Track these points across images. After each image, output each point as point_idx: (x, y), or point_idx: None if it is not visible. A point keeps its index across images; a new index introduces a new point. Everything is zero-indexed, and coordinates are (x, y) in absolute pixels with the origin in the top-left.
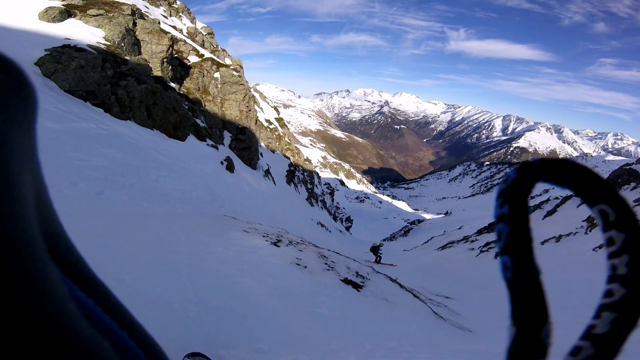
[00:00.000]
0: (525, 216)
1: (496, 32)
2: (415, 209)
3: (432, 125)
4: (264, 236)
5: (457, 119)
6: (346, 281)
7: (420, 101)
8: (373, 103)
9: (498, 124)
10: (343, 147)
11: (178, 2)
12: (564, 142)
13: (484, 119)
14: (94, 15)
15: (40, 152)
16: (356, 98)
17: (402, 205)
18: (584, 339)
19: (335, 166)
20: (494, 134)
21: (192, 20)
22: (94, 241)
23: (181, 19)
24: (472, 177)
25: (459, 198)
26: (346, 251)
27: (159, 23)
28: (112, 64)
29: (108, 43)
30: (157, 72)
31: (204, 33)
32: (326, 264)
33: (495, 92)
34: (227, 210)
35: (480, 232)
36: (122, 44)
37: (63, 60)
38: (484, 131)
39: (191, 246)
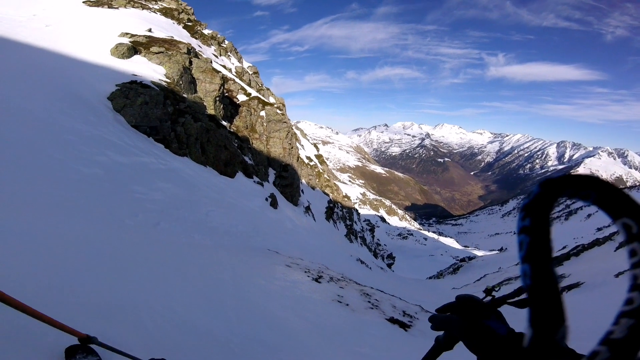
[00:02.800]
0: (546, 228)
1: (536, 54)
2: (465, 246)
3: (479, 157)
4: (305, 271)
5: (505, 148)
6: (392, 320)
7: (464, 131)
8: (413, 136)
9: (552, 151)
10: (383, 183)
11: (226, 42)
12: (630, 167)
13: (535, 147)
14: (156, 53)
15: (107, 183)
16: (395, 132)
17: (449, 242)
18: (602, 343)
19: (375, 203)
20: (549, 163)
21: (239, 60)
22: (149, 269)
23: (230, 58)
24: None
25: (514, 233)
26: (390, 289)
27: (211, 62)
28: (172, 101)
29: (168, 80)
30: (210, 110)
31: (250, 72)
32: (369, 302)
33: (544, 118)
34: (270, 244)
35: None
36: (180, 82)
37: (131, 95)
38: (537, 160)
39: (236, 278)
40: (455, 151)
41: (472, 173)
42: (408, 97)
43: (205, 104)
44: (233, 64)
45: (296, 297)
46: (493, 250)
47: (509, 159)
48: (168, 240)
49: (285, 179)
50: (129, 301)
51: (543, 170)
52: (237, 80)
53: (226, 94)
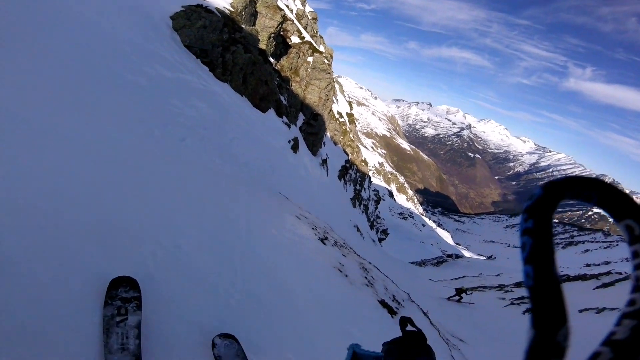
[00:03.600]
0: (548, 230)
1: (632, 77)
2: (457, 243)
3: (511, 164)
4: (312, 228)
5: (542, 163)
6: (383, 303)
7: (508, 134)
8: (454, 123)
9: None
10: (404, 159)
11: None
12: None
13: (572, 172)
14: None
15: (148, 92)
16: (436, 114)
17: (445, 235)
18: (604, 344)
19: (389, 176)
20: None
21: (303, 3)
22: (166, 194)
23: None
24: None
25: (509, 245)
26: (375, 264)
27: None
28: (230, 29)
29: (232, 9)
30: (262, 44)
31: (310, 17)
32: (366, 277)
33: (600, 145)
34: (283, 187)
35: (519, 284)
36: (243, 13)
37: (192, 18)
38: None
39: (250, 223)
40: (489, 150)
41: (496, 177)
42: (465, 83)
43: (259, 37)
44: (296, 5)
45: (302, 257)
46: (481, 255)
47: (540, 175)
48: (190, 159)
49: (313, 127)
50: (135, 231)
51: None
52: (295, 21)
53: (281, 33)
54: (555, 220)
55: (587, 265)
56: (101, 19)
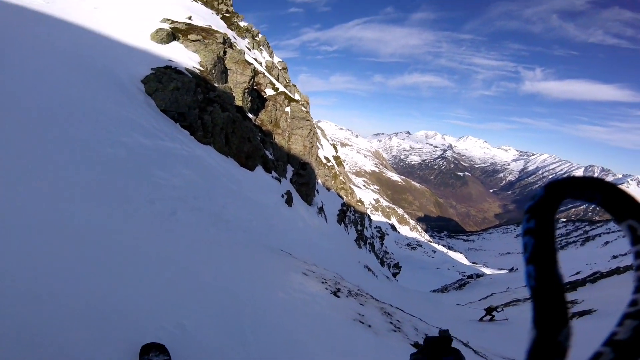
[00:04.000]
0: (550, 230)
1: (578, 71)
2: (473, 262)
3: (501, 174)
4: (322, 282)
5: (530, 168)
6: (417, 346)
7: (489, 146)
8: (435, 147)
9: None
10: (398, 191)
11: (260, 36)
12: None
13: (561, 170)
14: (193, 41)
15: (129, 164)
16: (417, 140)
17: (458, 257)
18: (606, 345)
19: (387, 210)
20: None
21: (270, 54)
22: (161, 270)
23: (261, 52)
24: None
25: None
26: (395, 301)
27: (244, 54)
28: (203, 89)
29: (202, 68)
30: (238, 101)
31: (279, 67)
32: (391, 322)
33: (576, 139)
34: (283, 244)
35: None
36: (213, 71)
37: (164, 80)
38: None
39: (254, 289)
40: (476, 166)
41: (491, 190)
42: (435, 105)
43: (234, 94)
44: (264, 57)
45: (316, 315)
46: (502, 269)
47: (531, 179)
48: (183, 232)
49: (303, 177)
50: (134, 316)
51: None
52: (266, 74)
53: (255, 87)
54: (564, 220)
55: (615, 257)
56: (69, 88)
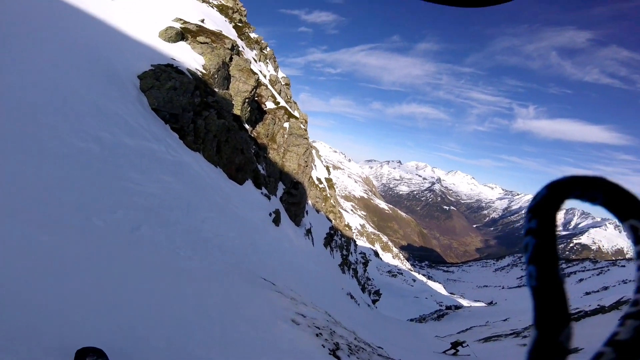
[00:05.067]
0: (551, 230)
1: (569, 110)
2: (451, 293)
3: (485, 211)
4: (317, 335)
5: (513, 207)
6: None
7: (476, 183)
8: (424, 178)
9: (559, 217)
10: (384, 219)
11: (268, 49)
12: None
13: None
14: (201, 43)
15: (99, 163)
16: (407, 171)
17: (437, 287)
18: (607, 345)
19: (372, 236)
20: None
21: (275, 69)
22: (108, 313)
23: (267, 65)
24: (522, 269)
25: (503, 287)
26: (377, 330)
27: (251, 63)
28: (202, 92)
29: (204, 71)
30: (237, 110)
31: (282, 83)
32: None
33: None
34: (266, 266)
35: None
36: (216, 76)
37: (162, 78)
38: None
39: (228, 352)
40: (462, 201)
41: (474, 225)
42: (429, 137)
43: (233, 102)
44: (269, 71)
45: None
46: (479, 301)
47: (514, 218)
48: (141, 255)
49: (294, 197)
50: None
51: None
52: (269, 86)
53: (256, 98)
54: None
55: (587, 293)
56: (56, 70)
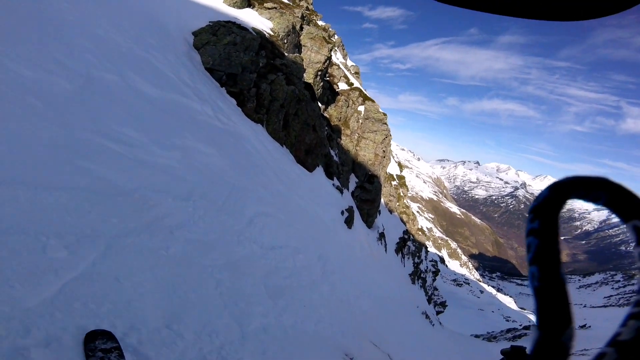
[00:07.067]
0: (554, 231)
1: None
2: (522, 308)
3: (578, 222)
4: None
5: (614, 220)
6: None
7: None
8: (506, 182)
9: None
10: (454, 224)
11: (336, 37)
12: None
13: None
14: (269, 8)
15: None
16: (486, 173)
17: (507, 300)
18: (609, 345)
19: (439, 241)
20: None
21: (345, 57)
22: None
23: (336, 53)
24: (613, 289)
25: (584, 306)
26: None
27: (325, 30)
28: (268, 53)
29: (272, 33)
30: (309, 80)
31: (352, 71)
32: None
33: None
34: (341, 298)
35: None
36: (285, 41)
37: (220, 33)
38: None
39: None
40: None
41: (562, 238)
42: (513, 136)
43: (305, 69)
44: (338, 58)
45: None
46: None
47: (613, 232)
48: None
49: (368, 192)
50: None
51: None
52: (342, 67)
53: (327, 78)
54: (638, 276)
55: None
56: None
